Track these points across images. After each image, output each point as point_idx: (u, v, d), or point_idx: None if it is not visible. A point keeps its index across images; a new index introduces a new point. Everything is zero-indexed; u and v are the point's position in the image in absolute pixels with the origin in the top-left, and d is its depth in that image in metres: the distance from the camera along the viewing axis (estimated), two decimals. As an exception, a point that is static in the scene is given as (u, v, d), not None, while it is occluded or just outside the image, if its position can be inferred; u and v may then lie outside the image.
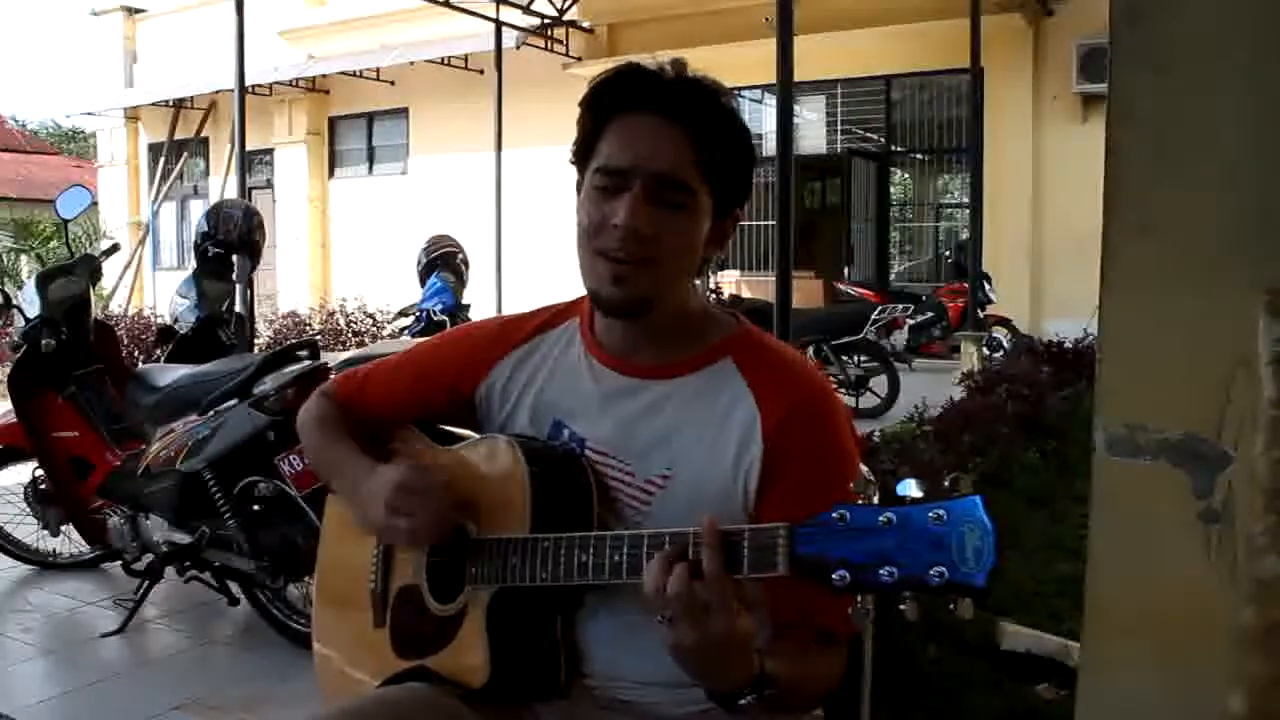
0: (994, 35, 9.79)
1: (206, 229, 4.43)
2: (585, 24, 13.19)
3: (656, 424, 1.22)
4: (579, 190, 1.24)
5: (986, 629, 2.63)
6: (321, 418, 1.41)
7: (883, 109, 12.48)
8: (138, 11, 17.72)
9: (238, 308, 4.57)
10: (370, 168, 15.87)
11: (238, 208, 4.74)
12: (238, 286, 4.52)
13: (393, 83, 14.54)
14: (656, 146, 1.15)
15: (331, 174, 16.12)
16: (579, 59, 12.96)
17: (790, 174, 4.57)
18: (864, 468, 1.29)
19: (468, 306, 6.25)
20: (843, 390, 7.35)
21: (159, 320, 9.38)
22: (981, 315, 9.44)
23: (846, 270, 12.28)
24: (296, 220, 15.77)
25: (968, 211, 10.59)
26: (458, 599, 1.22)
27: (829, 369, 7.44)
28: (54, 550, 3.90)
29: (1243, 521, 0.85)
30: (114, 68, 17.63)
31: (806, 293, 10.64)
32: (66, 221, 4.16)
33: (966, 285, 9.63)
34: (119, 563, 3.52)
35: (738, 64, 9.92)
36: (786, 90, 4.63)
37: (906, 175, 14.51)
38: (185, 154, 17.25)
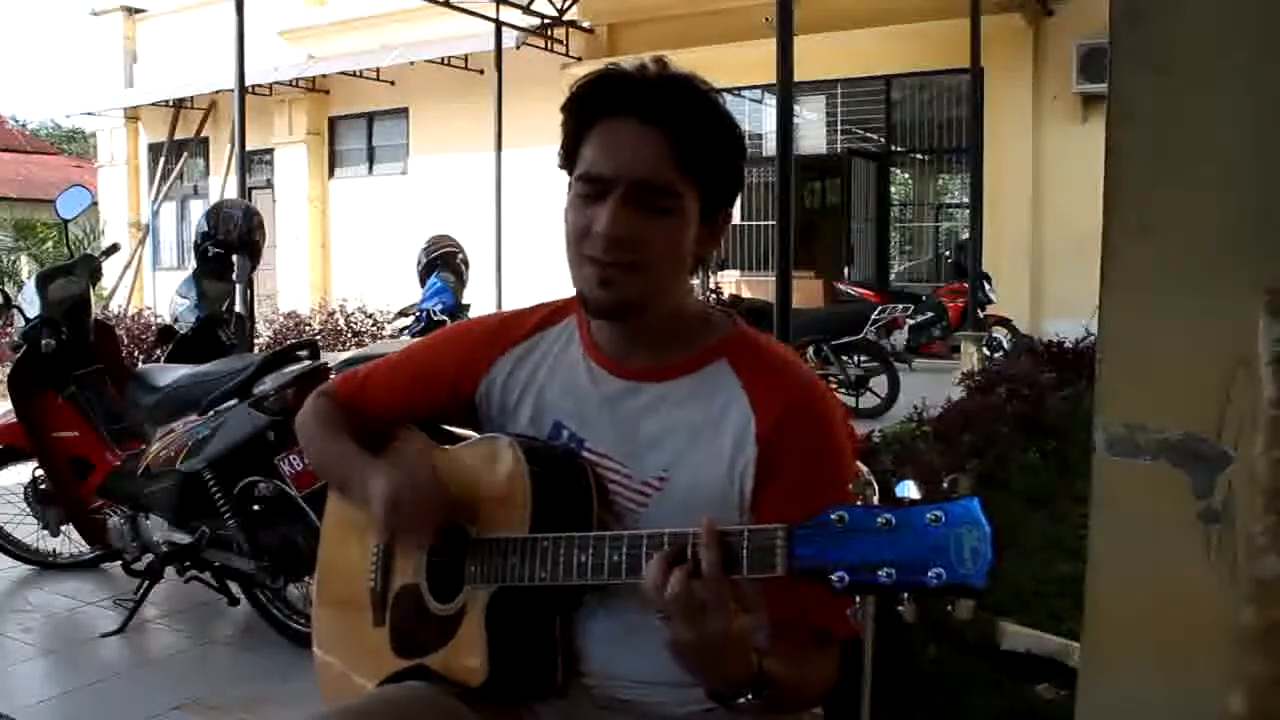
0: (994, 35, 9.79)
1: (206, 229, 4.43)
2: (585, 24, 13.20)
3: (653, 426, 1.22)
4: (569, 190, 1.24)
5: (986, 629, 2.63)
6: (320, 417, 1.41)
7: (883, 109, 12.48)
8: (138, 11, 17.72)
9: (238, 308, 4.56)
10: (370, 168, 15.87)
11: (238, 208, 4.74)
12: (238, 286, 4.52)
13: (393, 83, 14.54)
14: (636, 151, 1.14)
15: (331, 174, 16.12)
16: (579, 59, 12.96)
17: (790, 174, 4.57)
18: (863, 468, 1.29)
19: (468, 306, 6.24)
20: (843, 390, 7.35)
21: (159, 320, 9.38)
22: (981, 315, 9.44)
23: (846, 270, 12.28)
24: (296, 220, 15.77)
25: (968, 211, 10.59)
26: (457, 598, 1.22)
27: (829, 369, 7.44)
28: (54, 550, 3.90)
29: (1243, 521, 0.85)
30: (114, 68, 17.64)
31: (806, 293, 10.65)
32: (66, 221, 4.16)
33: (966, 285, 9.63)
34: (119, 563, 3.52)
35: (738, 64, 9.95)
36: (786, 90, 4.63)
37: (906, 175, 14.51)
38: (185, 154, 17.25)
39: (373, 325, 11.44)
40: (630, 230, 1.14)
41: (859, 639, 1.26)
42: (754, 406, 1.19)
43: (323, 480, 1.45)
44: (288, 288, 15.36)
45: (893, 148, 12.86)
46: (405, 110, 15.04)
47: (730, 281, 11.20)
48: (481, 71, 13.18)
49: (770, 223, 9.91)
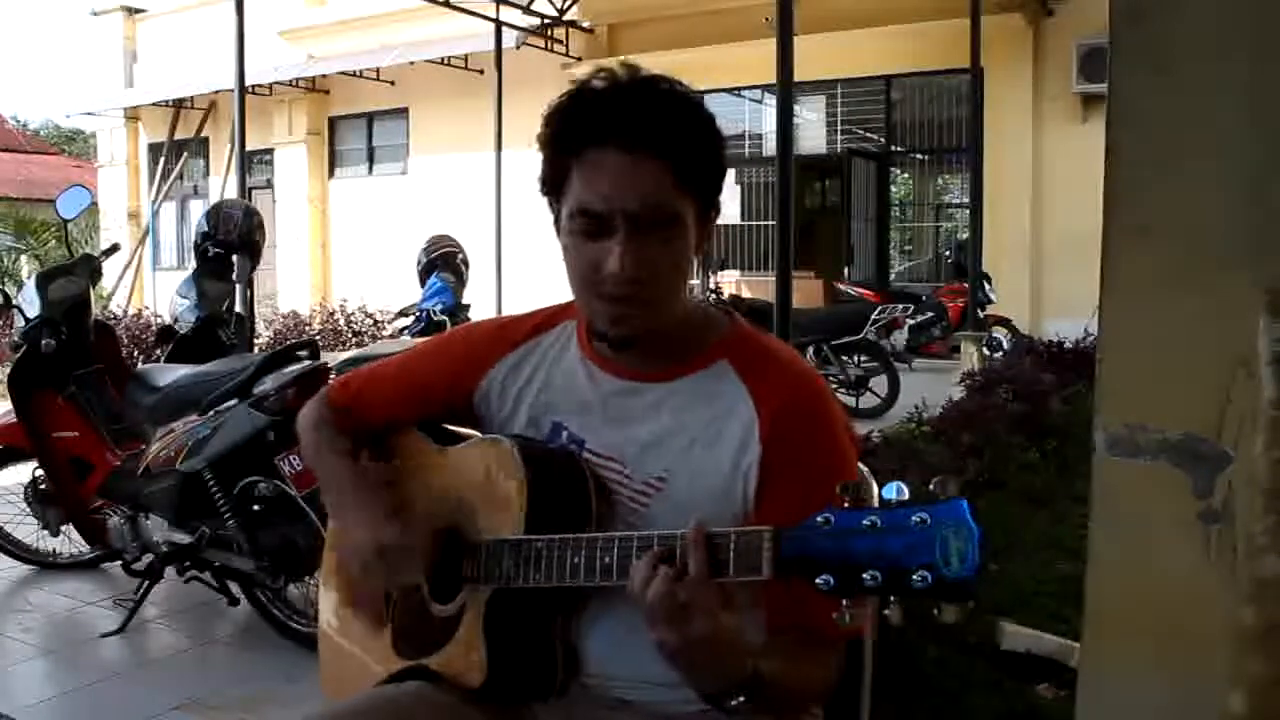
0: (994, 35, 9.78)
1: (206, 229, 4.43)
2: (585, 24, 13.19)
3: (654, 426, 1.22)
4: (551, 208, 1.21)
5: (986, 629, 2.63)
6: (320, 427, 1.41)
7: (883, 109, 12.48)
8: (138, 11, 17.71)
9: (238, 308, 4.56)
10: (370, 168, 15.87)
11: (238, 208, 4.74)
12: (238, 286, 4.52)
13: (393, 83, 14.53)
14: (633, 182, 1.11)
15: (331, 174, 16.12)
16: (579, 59, 12.95)
17: (790, 174, 4.57)
18: (863, 467, 1.29)
19: (468, 306, 6.25)
20: (843, 390, 7.35)
21: (159, 320, 9.38)
22: (981, 315, 9.43)
23: (846, 270, 12.28)
24: (296, 220, 15.77)
25: (968, 211, 10.58)
26: (456, 599, 1.23)
27: (829, 369, 7.44)
28: (54, 550, 3.90)
29: (1243, 521, 0.85)
30: (114, 68, 17.63)
31: (806, 293, 10.64)
32: (66, 221, 4.16)
33: (966, 285, 9.62)
34: (119, 563, 3.52)
35: (738, 64, 9.96)
36: (786, 90, 4.63)
37: (906, 175, 14.51)
38: (185, 154, 17.25)
39: (373, 325, 11.44)
40: (641, 265, 1.12)
41: (859, 639, 1.26)
42: (757, 406, 1.19)
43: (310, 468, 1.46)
44: (288, 288, 15.36)
45: (893, 148, 12.86)
46: (405, 110, 15.04)
47: (730, 281, 11.19)
48: (481, 71, 13.18)
49: (770, 223, 9.90)
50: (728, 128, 8.22)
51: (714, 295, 9.51)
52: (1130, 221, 0.91)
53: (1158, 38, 0.89)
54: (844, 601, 0.93)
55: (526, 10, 12.01)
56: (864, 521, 0.93)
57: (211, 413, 3.17)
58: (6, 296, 4.09)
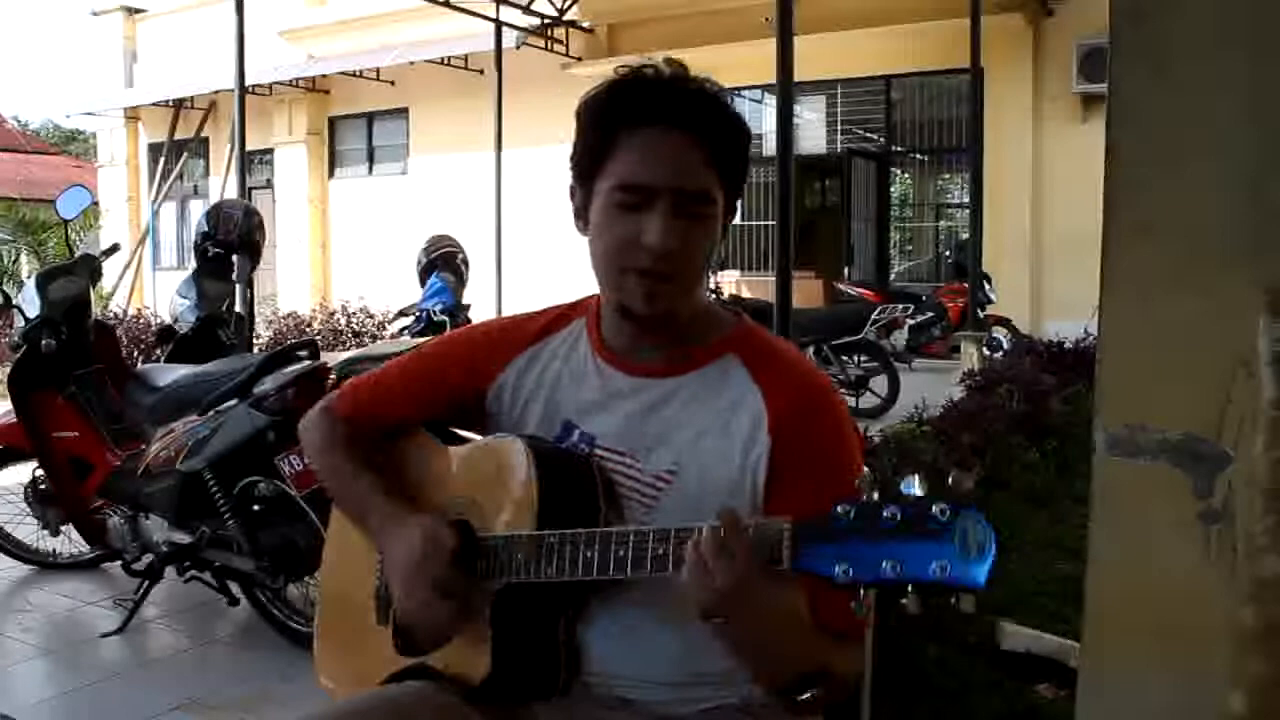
0: (994, 35, 9.78)
1: (206, 229, 4.43)
2: (585, 24, 13.19)
3: (663, 420, 1.23)
4: (574, 196, 1.23)
5: (986, 629, 2.63)
6: (328, 437, 1.40)
7: (883, 109, 12.48)
8: (138, 11, 17.72)
9: (238, 308, 4.57)
10: (370, 168, 15.88)
11: (238, 208, 4.74)
12: (238, 286, 4.52)
13: (393, 83, 14.54)
14: (679, 161, 1.16)
15: (331, 174, 16.13)
16: (579, 59, 12.96)
17: (790, 174, 4.57)
18: (864, 468, 1.29)
19: (468, 306, 6.25)
20: (843, 390, 7.34)
21: (159, 320, 9.39)
22: (981, 315, 9.44)
23: (846, 270, 12.28)
24: (296, 220, 15.77)
25: (968, 211, 10.58)
26: (462, 596, 1.22)
27: (829, 369, 7.43)
28: (54, 550, 3.90)
29: (1243, 521, 0.85)
30: (114, 68, 17.64)
31: (806, 293, 10.64)
32: (67, 221, 4.16)
33: (966, 285, 9.62)
34: (119, 563, 3.52)
35: (738, 64, 9.94)
36: (786, 90, 4.63)
37: (906, 175, 14.51)
38: (185, 154, 17.26)
39: (373, 325, 11.44)
40: (679, 241, 1.16)
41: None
42: (766, 400, 1.20)
43: (336, 504, 1.44)
44: (288, 288, 15.36)
45: (893, 148, 12.86)
46: (405, 110, 15.04)
47: (730, 281, 11.19)
48: (481, 71, 13.18)
49: (770, 223, 9.89)
50: (728, 128, 8.16)
51: (714, 295, 9.52)
52: (1130, 221, 0.91)
53: (1158, 38, 0.89)
54: (861, 592, 0.94)
55: (526, 10, 12.01)
56: (884, 514, 0.94)
57: (211, 413, 3.17)
58: (6, 296, 4.09)
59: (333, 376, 3.16)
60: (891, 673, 1.99)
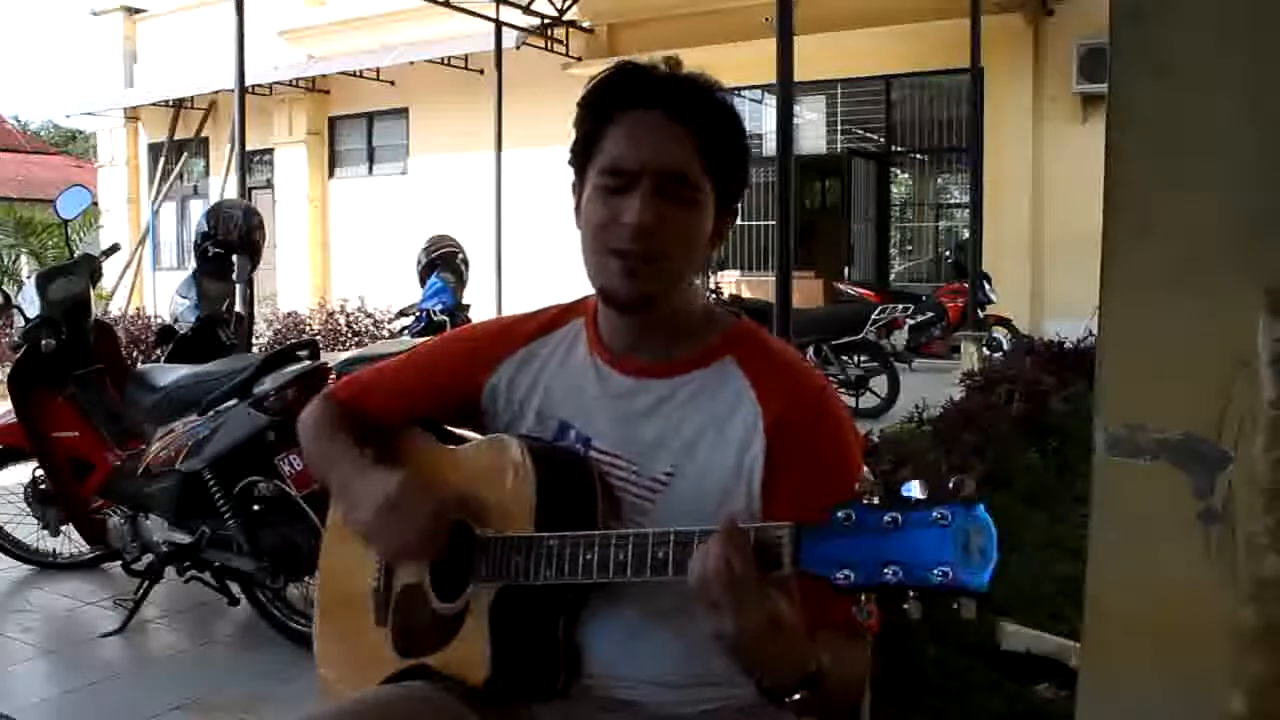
0: (994, 35, 9.78)
1: (206, 229, 4.43)
2: (585, 24, 13.19)
3: (660, 423, 1.23)
4: (575, 191, 1.24)
5: (986, 629, 2.63)
6: (322, 420, 1.40)
7: (883, 109, 12.48)
8: (138, 11, 17.72)
9: (238, 308, 4.56)
10: (370, 168, 15.88)
11: (238, 208, 4.74)
12: (238, 286, 4.52)
13: (393, 83, 14.54)
14: (663, 144, 1.16)
15: (331, 174, 16.13)
16: (579, 59, 12.96)
17: (790, 174, 4.57)
18: (864, 469, 1.29)
19: (468, 306, 6.24)
20: (843, 390, 7.34)
21: (159, 320, 9.38)
22: (981, 315, 9.43)
23: (846, 270, 12.28)
24: (296, 220, 15.77)
25: (968, 211, 10.59)
26: (461, 597, 1.22)
27: (829, 369, 7.44)
28: (54, 550, 3.90)
29: (1243, 521, 0.85)
30: (114, 68, 17.64)
31: (806, 293, 10.64)
32: (66, 221, 4.16)
33: (966, 285, 9.63)
34: (119, 563, 3.52)
35: (738, 64, 9.91)
36: (786, 90, 4.63)
37: (906, 175, 14.51)
38: (185, 154, 17.25)
39: (373, 325, 11.44)
40: (657, 220, 1.16)
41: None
42: (761, 401, 1.20)
43: (318, 479, 1.44)
44: (288, 288, 15.36)
45: (893, 148, 12.86)
46: (405, 110, 15.04)
47: (730, 281, 11.18)
48: (481, 71, 13.18)
49: (770, 223, 9.89)
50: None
51: (714, 295, 9.52)
52: (1130, 221, 0.91)
53: (1158, 38, 0.89)
54: (863, 596, 0.94)
55: (526, 10, 12.01)
56: (885, 518, 0.93)
57: (211, 413, 3.17)
58: (6, 296, 4.09)
59: (333, 376, 3.16)
60: (892, 673, 1.99)
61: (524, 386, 1.32)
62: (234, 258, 4.38)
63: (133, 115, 17.68)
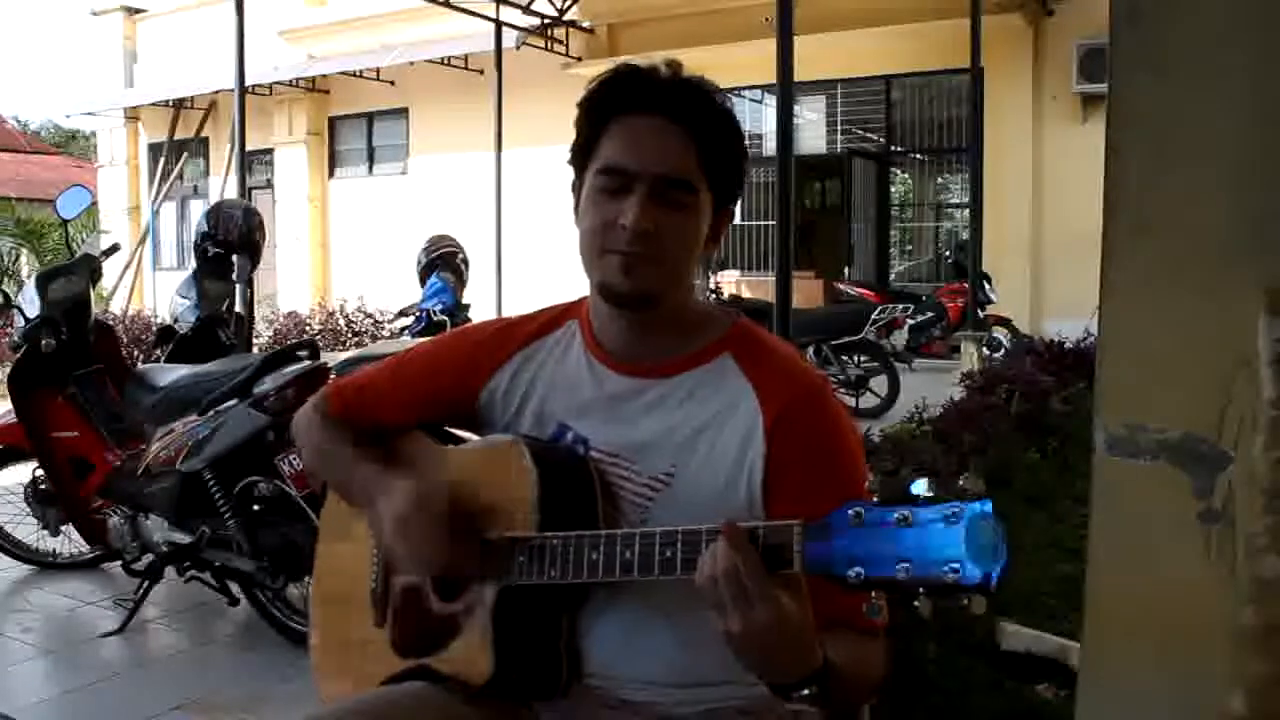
0: (994, 35, 9.78)
1: (206, 229, 4.43)
2: (585, 24, 13.19)
3: (658, 422, 1.23)
4: (574, 191, 1.25)
5: (986, 629, 2.63)
6: (319, 425, 1.40)
7: (883, 109, 12.47)
8: (138, 11, 17.71)
9: (238, 308, 4.57)
10: (370, 168, 15.87)
11: (238, 208, 4.74)
12: (238, 286, 4.52)
13: (393, 83, 14.53)
14: (660, 147, 1.17)
15: (331, 174, 16.12)
16: (579, 59, 12.96)
17: (790, 174, 4.57)
18: (866, 466, 1.29)
19: (468, 306, 6.24)
20: (843, 390, 7.35)
21: (159, 320, 9.38)
22: (981, 315, 9.43)
23: (846, 270, 12.27)
24: (296, 220, 15.77)
25: (968, 211, 10.58)
26: (462, 597, 1.22)
27: (829, 369, 7.43)
28: (54, 550, 3.90)
29: (1243, 521, 0.85)
30: (114, 68, 17.63)
31: (806, 293, 10.64)
32: (66, 221, 4.17)
33: (966, 285, 9.62)
34: (119, 563, 3.52)
35: (738, 64, 9.95)
36: (786, 90, 4.63)
37: (906, 175, 14.51)
38: (185, 154, 17.25)
39: (373, 325, 11.44)
40: (655, 223, 1.16)
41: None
42: (761, 401, 1.20)
43: (319, 481, 1.44)
44: (288, 288, 15.36)
45: (893, 148, 12.85)
46: (405, 110, 15.04)
47: (730, 281, 11.18)
48: (481, 71, 13.18)
49: (770, 223, 9.90)
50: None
51: (714, 295, 9.52)
52: (1130, 221, 0.91)
53: (1158, 38, 0.89)
54: (873, 594, 0.93)
55: (526, 10, 12.01)
56: (894, 516, 0.93)
57: (211, 413, 3.17)
58: (6, 296, 4.10)
59: (333, 376, 3.16)
60: (892, 673, 1.99)
61: (521, 388, 1.31)
62: (234, 258, 4.39)
63: (133, 115, 17.67)
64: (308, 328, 11.42)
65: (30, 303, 3.69)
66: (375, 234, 14.62)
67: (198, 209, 14.83)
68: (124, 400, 3.57)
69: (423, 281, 6.22)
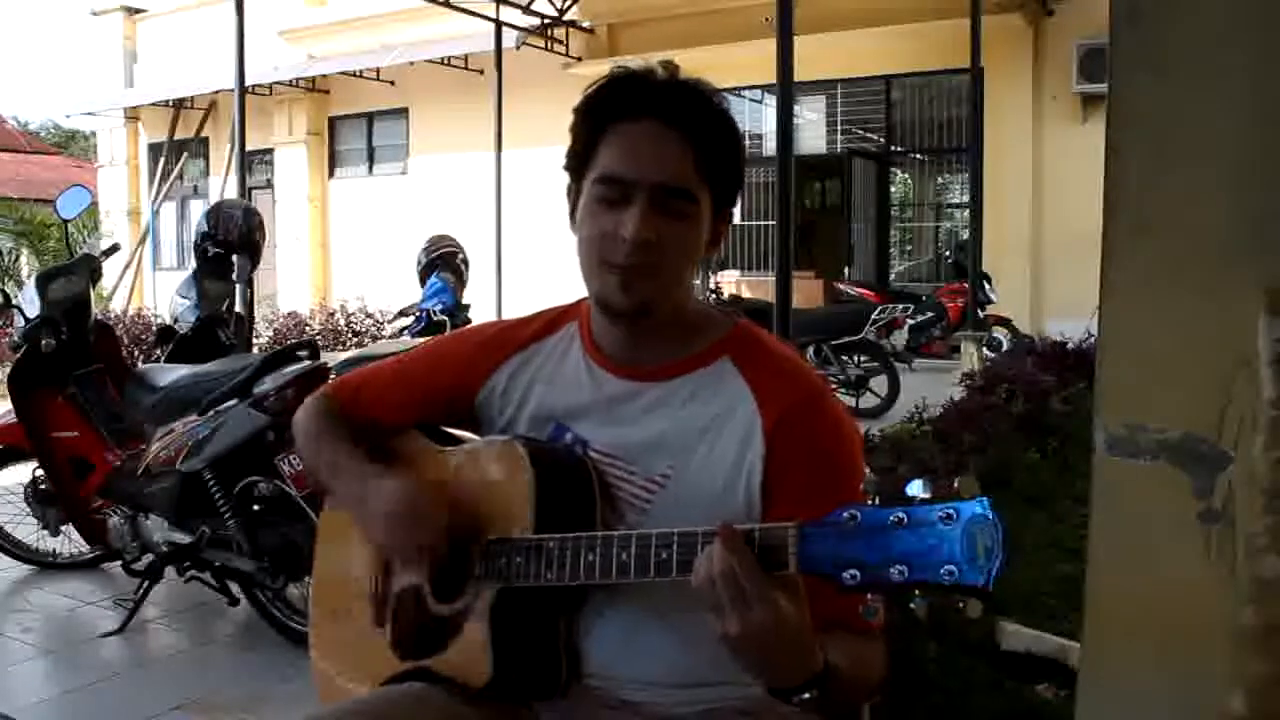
0: (994, 35, 9.78)
1: (206, 229, 4.43)
2: (585, 24, 13.19)
3: (657, 424, 1.23)
4: (569, 196, 1.24)
5: (986, 629, 2.63)
6: (318, 422, 1.40)
7: (883, 109, 12.48)
8: (138, 11, 17.72)
9: (238, 308, 4.57)
10: (370, 168, 15.87)
11: (238, 208, 4.74)
12: (238, 286, 4.52)
13: (393, 83, 14.54)
14: (659, 155, 1.16)
15: (331, 174, 16.12)
16: (579, 59, 12.96)
17: (790, 174, 4.57)
18: (866, 469, 1.29)
19: (468, 306, 6.24)
20: (843, 390, 7.35)
21: (159, 320, 9.38)
22: (981, 315, 9.44)
23: (846, 270, 12.28)
24: (296, 220, 15.77)
25: (968, 211, 10.58)
26: (460, 599, 1.22)
27: (829, 369, 7.44)
28: (54, 550, 3.90)
29: (1243, 521, 0.85)
30: (114, 68, 17.64)
31: (806, 293, 10.64)
32: (67, 221, 4.17)
33: (966, 285, 9.62)
34: (119, 563, 3.52)
35: (738, 64, 9.96)
36: (786, 90, 4.63)
37: (906, 175, 14.51)
38: (185, 154, 17.25)
39: (373, 325, 11.44)
40: (656, 233, 1.15)
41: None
42: (759, 403, 1.19)
43: (317, 482, 1.44)
44: (288, 288, 15.36)
45: (893, 148, 12.86)
46: (405, 110, 15.04)
47: (730, 281, 11.19)
48: (481, 71, 13.18)
49: (770, 223, 9.90)
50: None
51: (713, 296, 9.51)
52: (1130, 221, 0.91)
53: (1158, 38, 0.89)
54: (869, 596, 0.93)
55: (526, 10, 12.01)
56: (890, 518, 0.93)
57: (211, 413, 3.17)
58: (6, 296, 4.09)
59: (333, 376, 3.16)
60: (892, 672, 1.99)
61: (519, 391, 1.31)
62: (234, 258, 4.39)
63: (133, 115, 17.67)
64: (308, 328, 11.43)
65: (30, 303, 3.69)
66: (375, 234, 14.62)
67: (198, 209, 14.83)
68: (124, 400, 3.57)
69: (423, 281, 6.22)
